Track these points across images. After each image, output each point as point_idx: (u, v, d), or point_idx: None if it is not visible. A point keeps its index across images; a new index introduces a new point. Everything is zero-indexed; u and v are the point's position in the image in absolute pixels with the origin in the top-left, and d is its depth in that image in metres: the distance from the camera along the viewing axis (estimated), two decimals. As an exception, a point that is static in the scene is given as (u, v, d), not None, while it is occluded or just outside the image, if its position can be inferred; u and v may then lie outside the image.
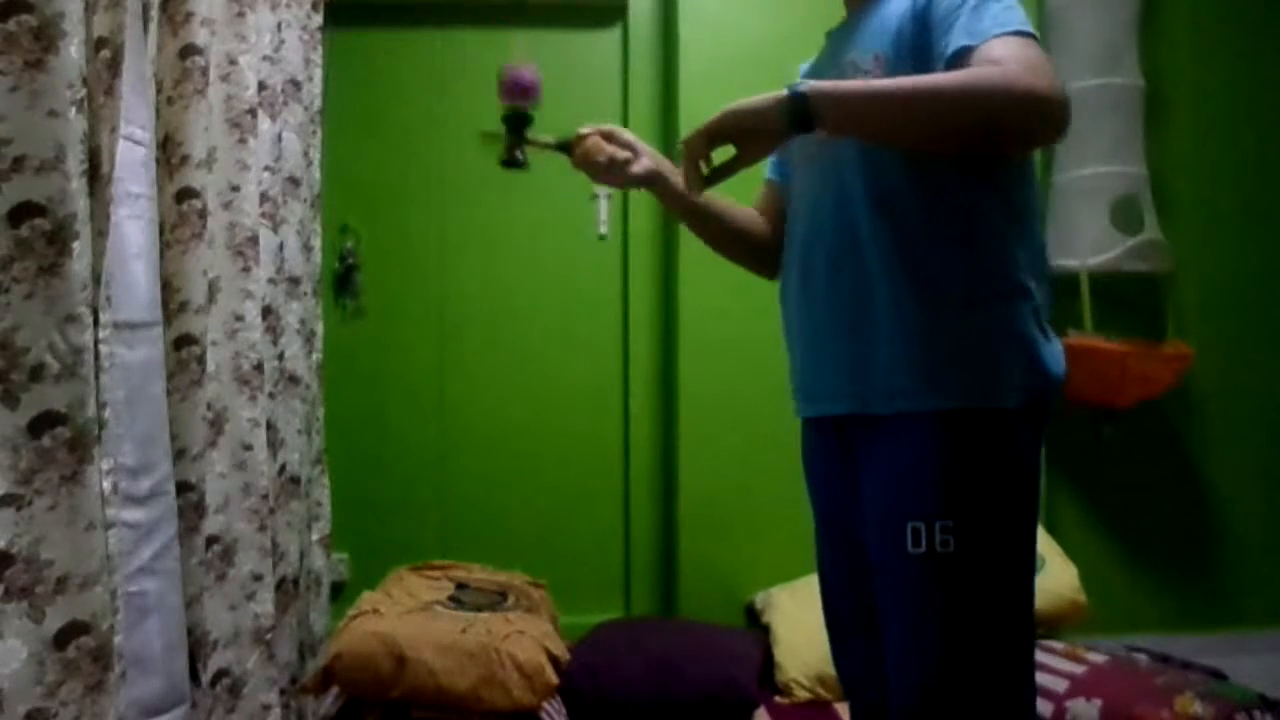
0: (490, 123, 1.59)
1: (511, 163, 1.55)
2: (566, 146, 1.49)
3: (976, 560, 1.22)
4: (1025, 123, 1.17)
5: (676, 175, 1.48)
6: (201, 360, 1.66)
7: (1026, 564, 1.28)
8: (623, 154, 1.47)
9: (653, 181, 1.49)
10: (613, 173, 1.47)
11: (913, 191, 1.26)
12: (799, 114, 1.17)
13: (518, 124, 1.55)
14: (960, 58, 1.20)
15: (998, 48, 1.17)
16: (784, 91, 1.18)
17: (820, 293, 1.35)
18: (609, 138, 1.48)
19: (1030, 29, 1.21)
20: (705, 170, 1.25)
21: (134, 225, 1.45)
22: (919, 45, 1.26)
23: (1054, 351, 1.29)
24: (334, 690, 2.04)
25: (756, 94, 1.20)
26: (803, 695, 2.25)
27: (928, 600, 1.23)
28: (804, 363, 1.42)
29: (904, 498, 1.25)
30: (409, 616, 2.10)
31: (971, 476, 1.22)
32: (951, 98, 1.15)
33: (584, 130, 1.48)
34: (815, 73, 1.47)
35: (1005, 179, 1.28)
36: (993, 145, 1.23)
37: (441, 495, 2.83)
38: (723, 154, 1.25)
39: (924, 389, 1.24)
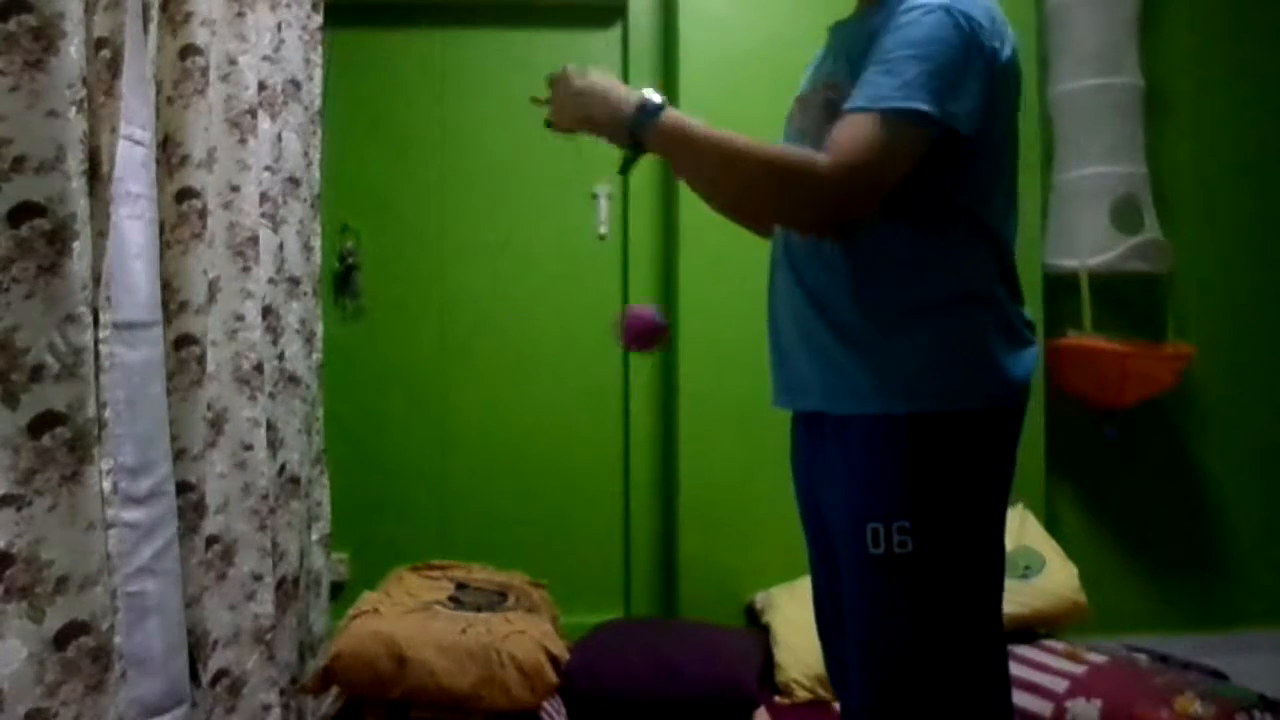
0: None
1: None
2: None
3: (935, 561, 1.22)
4: (797, 213, 1.27)
5: None
6: (201, 360, 1.66)
7: (988, 565, 1.28)
8: None
9: None
10: None
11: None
12: (635, 139, 1.30)
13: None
14: (844, 119, 1.23)
15: (849, 129, 1.20)
16: (630, 112, 1.29)
17: (793, 289, 1.37)
18: None
19: (927, 105, 1.18)
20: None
21: (134, 225, 1.44)
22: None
23: (1018, 357, 1.29)
24: (334, 690, 2.04)
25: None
26: (803, 695, 2.25)
27: (886, 601, 1.24)
28: (781, 356, 1.43)
29: (862, 499, 1.26)
30: (409, 616, 2.10)
31: (929, 478, 1.23)
32: (753, 172, 1.24)
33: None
34: (811, 72, 1.47)
35: (974, 192, 1.28)
36: (773, 222, 1.38)
37: (441, 495, 2.83)
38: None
39: (883, 393, 1.25)
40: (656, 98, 1.28)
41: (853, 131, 1.20)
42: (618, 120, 1.29)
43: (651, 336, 1.59)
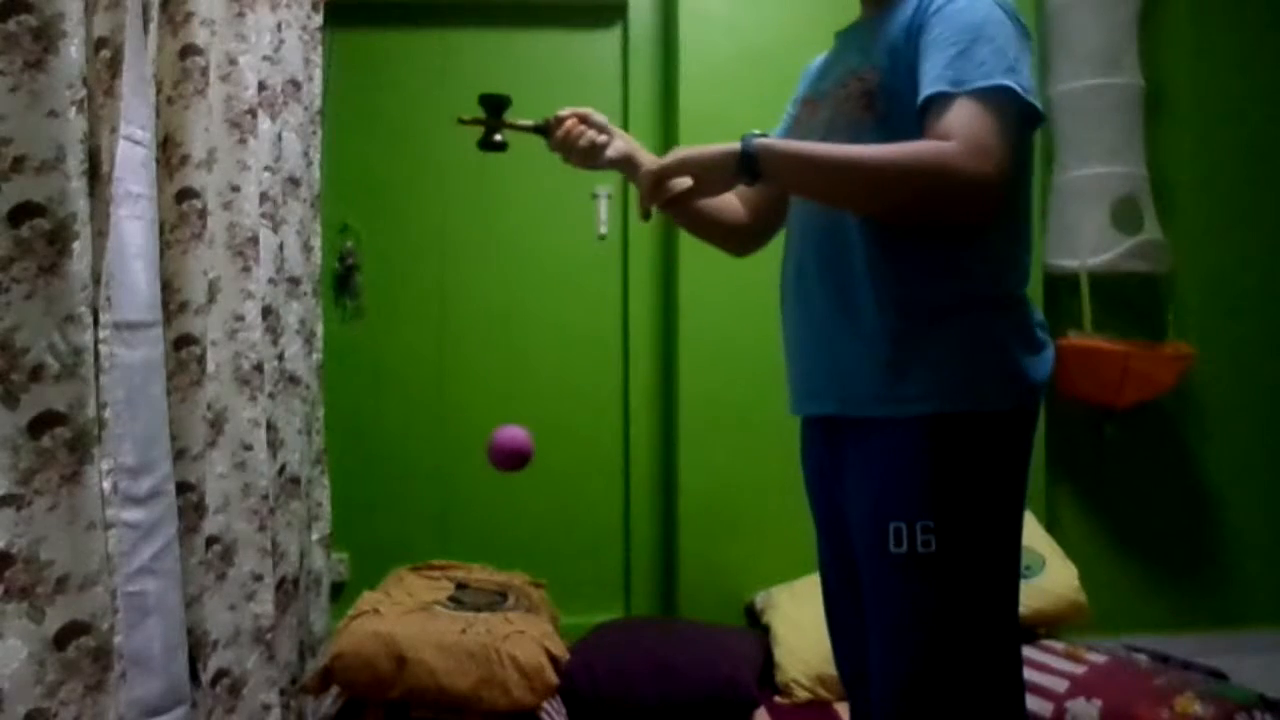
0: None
1: (490, 145, 1.59)
2: (544, 129, 1.53)
3: (957, 561, 1.22)
4: (951, 208, 1.20)
5: (646, 156, 1.52)
6: (201, 360, 1.66)
7: (1009, 566, 1.28)
8: (601, 138, 1.50)
9: (625, 164, 1.52)
10: (589, 156, 1.51)
11: None
12: (748, 169, 1.25)
13: (496, 107, 1.57)
14: (933, 106, 1.20)
15: (960, 115, 1.17)
16: (736, 146, 1.25)
17: (812, 292, 1.36)
18: (584, 120, 1.51)
19: (1012, 81, 1.19)
20: (660, 200, 1.34)
21: (134, 225, 1.45)
22: (911, 61, 1.26)
23: (1037, 359, 1.29)
24: (334, 690, 2.04)
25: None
26: (803, 695, 2.25)
27: (909, 601, 1.24)
28: (796, 360, 1.42)
29: (885, 499, 1.26)
30: (409, 616, 2.10)
31: (952, 479, 1.23)
32: (889, 177, 1.19)
33: (562, 113, 1.51)
34: (822, 73, 1.47)
35: (1012, 187, 1.26)
36: (919, 221, 1.26)
37: (441, 495, 2.82)
38: None
39: (905, 394, 1.25)
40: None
41: (961, 114, 1.17)
42: (726, 155, 1.27)
43: (523, 458, 1.67)
